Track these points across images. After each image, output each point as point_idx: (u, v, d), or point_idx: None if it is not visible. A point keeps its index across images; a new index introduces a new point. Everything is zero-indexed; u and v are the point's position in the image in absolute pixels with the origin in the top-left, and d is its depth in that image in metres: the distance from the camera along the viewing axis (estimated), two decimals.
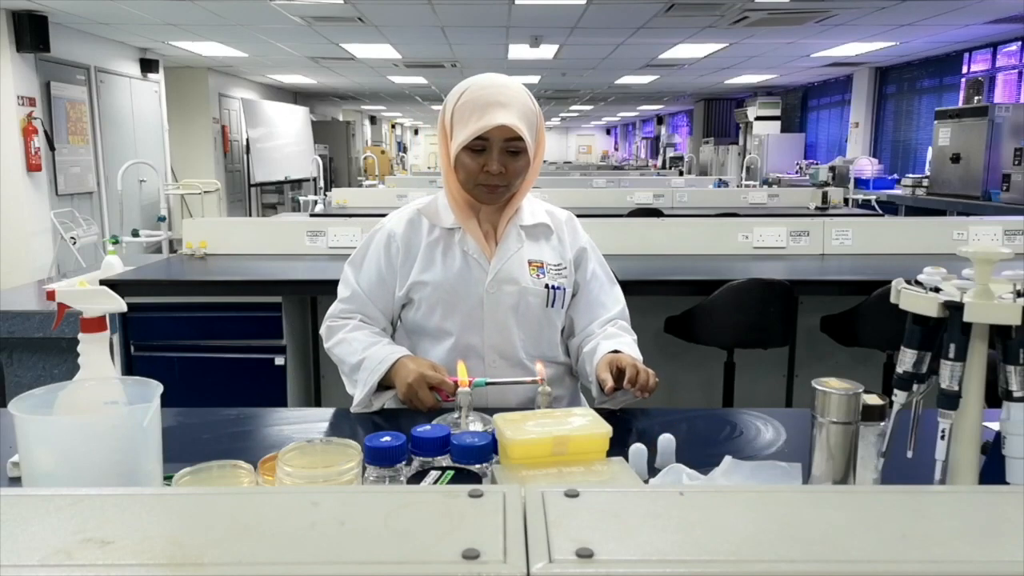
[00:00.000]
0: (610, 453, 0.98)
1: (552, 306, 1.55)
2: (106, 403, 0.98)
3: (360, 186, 10.51)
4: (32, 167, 6.32)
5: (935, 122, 7.67)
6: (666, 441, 1.16)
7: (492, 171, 1.44)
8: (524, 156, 1.46)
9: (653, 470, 1.13)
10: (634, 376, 1.36)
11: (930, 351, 0.96)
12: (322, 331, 1.61)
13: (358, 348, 1.52)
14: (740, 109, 13.73)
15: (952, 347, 0.93)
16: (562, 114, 22.04)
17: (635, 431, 1.35)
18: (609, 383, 1.36)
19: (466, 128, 1.41)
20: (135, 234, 5.56)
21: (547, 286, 1.54)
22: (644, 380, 1.35)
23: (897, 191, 8.35)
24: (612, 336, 1.55)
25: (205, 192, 8.36)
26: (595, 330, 1.58)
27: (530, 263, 1.54)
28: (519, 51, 8.51)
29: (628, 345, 1.52)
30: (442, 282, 1.52)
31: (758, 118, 12.71)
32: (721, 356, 2.89)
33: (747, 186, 8.23)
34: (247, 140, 11.07)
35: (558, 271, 1.57)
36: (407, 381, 1.41)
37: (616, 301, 1.63)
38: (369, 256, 1.59)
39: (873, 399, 0.97)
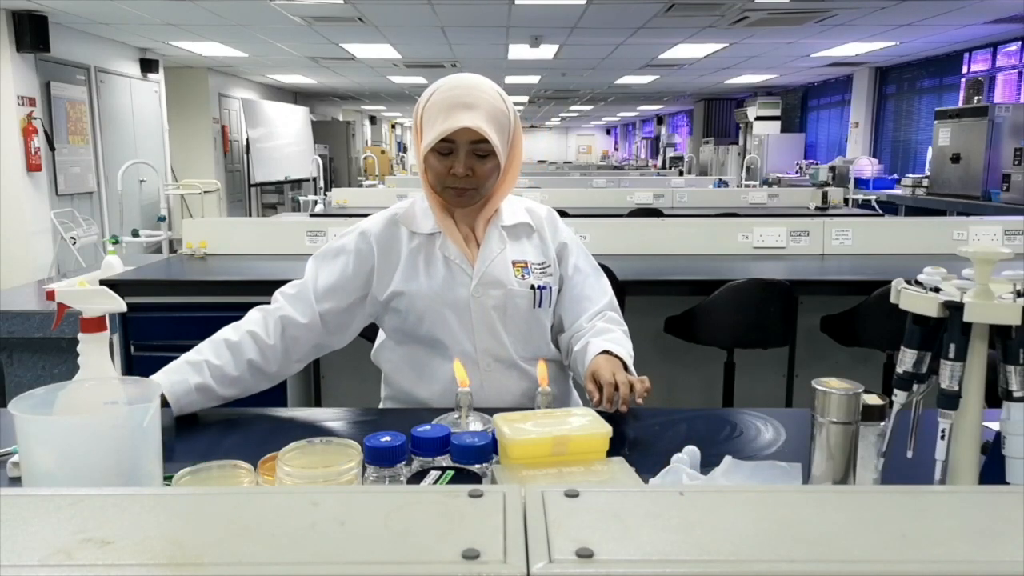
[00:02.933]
0: (610, 453, 0.98)
1: (539, 306, 1.53)
2: (106, 403, 0.98)
3: (360, 186, 10.51)
4: (32, 167, 6.33)
5: (935, 122, 7.68)
6: (691, 453, 1.15)
7: (458, 174, 1.41)
8: (492, 159, 1.43)
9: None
10: (611, 394, 1.34)
11: (930, 351, 0.96)
12: (252, 311, 1.53)
13: (191, 351, 1.44)
14: (740, 109, 13.74)
15: (952, 347, 0.93)
16: (562, 114, 22.03)
17: (634, 431, 1.35)
18: (595, 398, 1.35)
19: (433, 130, 1.39)
20: (135, 234, 5.56)
21: (533, 287, 1.52)
22: (625, 395, 1.33)
23: (897, 191, 8.35)
24: (601, 332, 1.52)
25: (205, 192, 8.35)
26: (584, 324, 1.56)
27: (514, 264, 1.52)
28: (519, 51, 8.51)
29: (617, 341, 1.50)
30: (427, 292, 1.49)
31: (758, 118, 12.71)
32: (721, 356, 2.89)
33: (747, 186, 8.23)
34: (247, 140, 11.07)
35: (543, 270, 1.54)
36: None
37: (603, 292, 1.60)
38: (334, 257, 1.53)
39: (873, 399, 0.97)
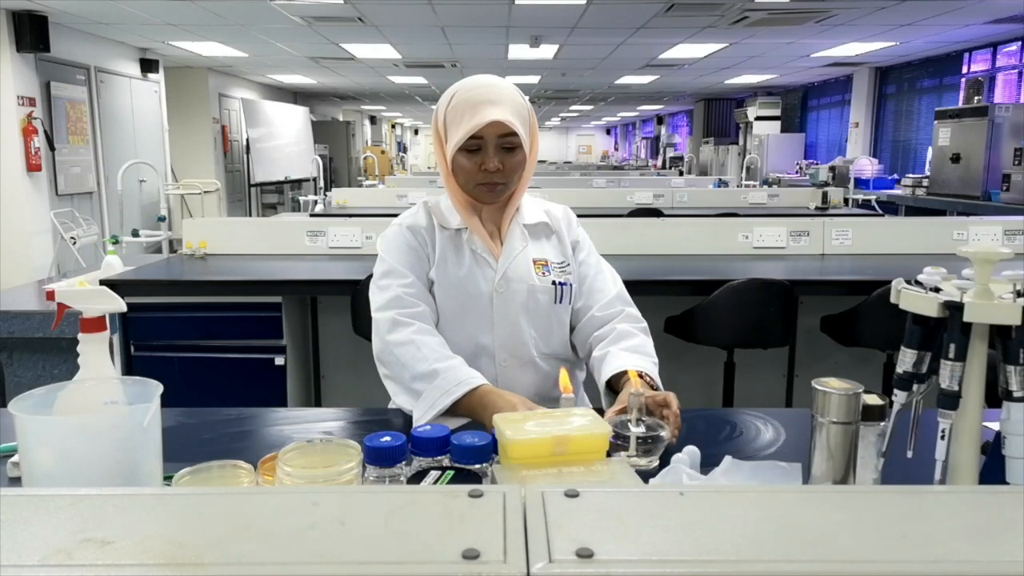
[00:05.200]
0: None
1: (560, 302, 1.55)
2: (106, 403, 0.98)
3: (360, 186, 10.52)
4: (32, 167, 6.32)
5: (935, 122, 7.67)
6: (691, 453, 1.14)
7: (490, 169, 1.44)
8: (520, 152, 1.46)
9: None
10: (679, 424, 1.24)
11: (930, 351, 0.96)
12: (383, 318, 1.47)
13: (429, 356, 1.40)
14: (740, 109, 13.73)
15: (952, 347, 0.93)
16: (562, 114, 22.03)
17: None
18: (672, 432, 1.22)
19: (460, 129, 1.41)
20: (135, 234, 5.56)
21: (554, 283, 1.55)
22: (679, 425, 1.23)
23: (897, 191, 8.35)
24: (622, 337, 1.51)
25: (205, 192, 8.35)
26: (596, 315, 1.56)
27: (535, 262, 1.55)
28: (519, 51, 8.50)
29: (641, 349, 1.49)
30: (453, 281, 1.52)
31: (758, 118, 12.71)
32: (721, 356, 2.89)
33: (747, 186, 8.22)
34: (247, 140, 11.07)
35: (562, 268, 1.58)
36: (508, 408, 1.29)
37: (612, 283, 1.61)
38: (402, 251, 1.53)
39: (873, 399, 0.97)
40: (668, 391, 1.32)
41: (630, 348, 1.49)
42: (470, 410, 1.35)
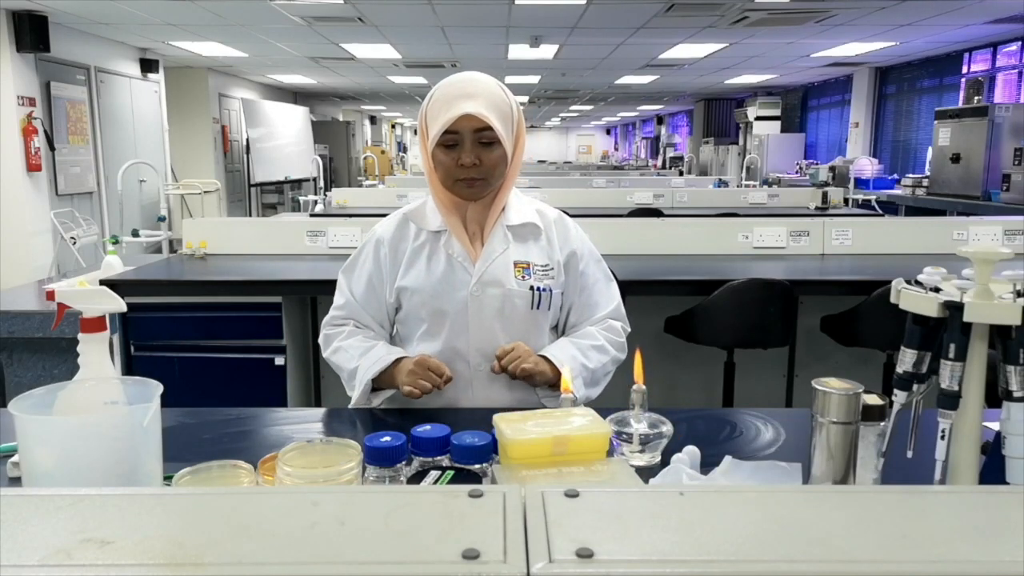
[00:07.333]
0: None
1: (538, 308, 1.52)
2: (106, 403, 0.98)
3: (360, 186, 10.51)
4: (32, 167, 6.32)
5: (935, 122, 7.68)
6: (691, 453, 1.14)
7: (465, 163, 1.42)
8: (498, 147, 1.44)
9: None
10: (504, 355, 1.45)
11: (930, 351, 0.96)
12: (320, 340, 1.62)
13: (354, 354, 1.53)
14: (740, 109, 13.73)
15: (952, 347, 0.93)
16: (562, 114, 22.01)
17: None
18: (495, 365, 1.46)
19: (436, 124, 1.41)
20: (135, 234, 5.56)
21: (532, 288, 1.51)
22: (512, 361, 1.44)
23: (897, 191, 8.35)
24: (581, 336, 1.57)
25: (205, 192, 8.35)
26: (585, 329, 1.59)
27: (516, 264, 1.52)
28: (519, 51, 8.50)
29: (581, 348, 1.53)
30: (426, 286, 1.51)
31: (758, 118, 12.71)
32: (721, 356, 2.89)
33: (747, 186, 8.22)
34: (247, 140, 11.07)
35: (544, 272, 1.54)
36: (408, 368, 1.44)
37: (610, 299, 1.61)
38: (360, 264, 1.59)
39: (873, 399, 0.97)
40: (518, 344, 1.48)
41: (571, 344, 1.54)
42: (389, 383, 1.50)
